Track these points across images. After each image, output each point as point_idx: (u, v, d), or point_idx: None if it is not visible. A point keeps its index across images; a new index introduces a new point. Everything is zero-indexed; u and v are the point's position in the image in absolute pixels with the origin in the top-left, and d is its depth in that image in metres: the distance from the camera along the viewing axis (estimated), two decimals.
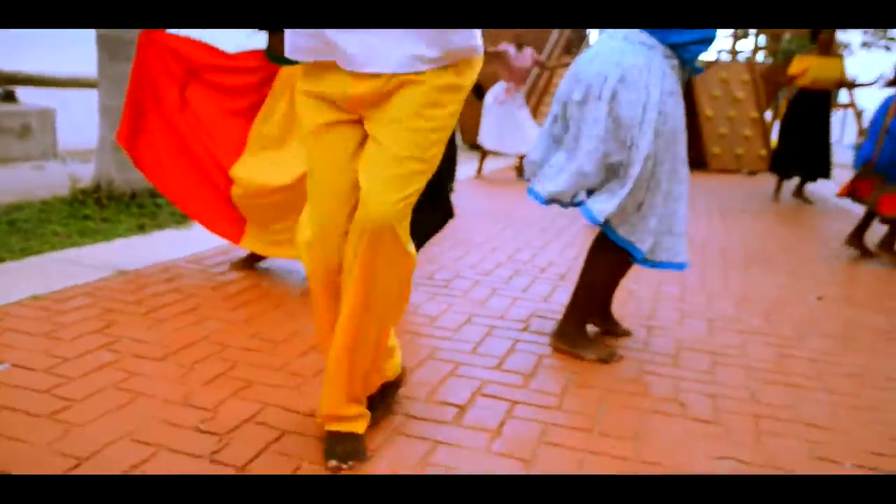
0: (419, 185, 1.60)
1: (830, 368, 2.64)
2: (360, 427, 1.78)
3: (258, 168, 3.01)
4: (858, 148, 4.76)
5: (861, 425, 2.18)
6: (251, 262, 3.44)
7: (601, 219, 2.32)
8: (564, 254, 4.31)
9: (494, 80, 7.98)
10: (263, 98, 3.05)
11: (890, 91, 4.71)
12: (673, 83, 2.33)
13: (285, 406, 2.01)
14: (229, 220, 3.19)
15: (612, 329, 2.82)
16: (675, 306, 3.31)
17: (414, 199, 1.60)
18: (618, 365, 2.52)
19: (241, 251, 3.54)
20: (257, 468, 1.68)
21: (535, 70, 10.39)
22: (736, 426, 2.10)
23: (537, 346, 2.65)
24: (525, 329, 2.84)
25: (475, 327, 2.82)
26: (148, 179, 3.21)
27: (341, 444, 1.74)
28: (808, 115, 7.18)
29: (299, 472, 1.68)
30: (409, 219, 1.62)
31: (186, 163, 3.12)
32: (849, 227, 5.90)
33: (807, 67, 6.98)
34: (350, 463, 1.70)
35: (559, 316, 3.02)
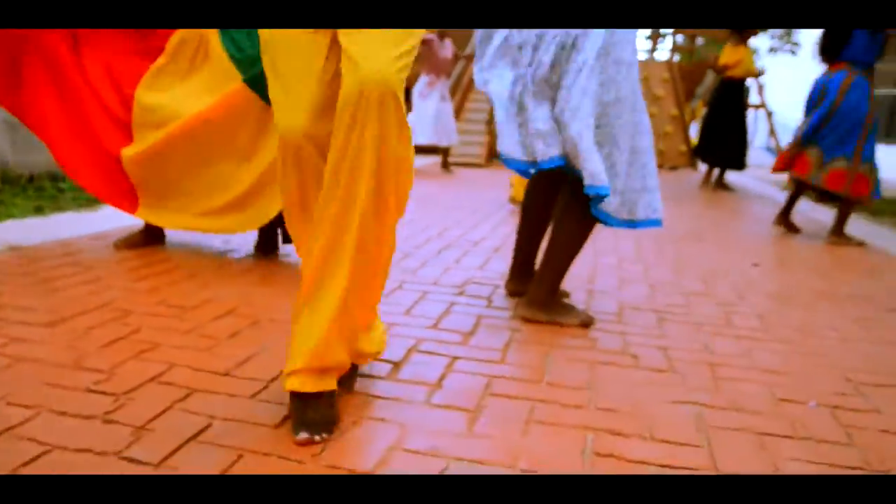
0: (412, 48, 1.38)
1: (776, 322, 2.55)
2: (332, 382, 1.49)
3: (155, 109, 2.75)
4: (805, 125, 4.63)
5: (815, 369, 2.07)
6: (146, 240, 3.10)
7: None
8: (497, 231, 4.15)
9: (416, 80, 7.84)
10: (164, 43, 2.78)
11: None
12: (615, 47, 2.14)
13: (195, 366, 1.76)
14: (122, 187, 2.88)
15: None
16: (613, 274, 3.18)
17: (409, 64, 1.38)
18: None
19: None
20: (159, 427, 1.43)
21: (462, 63, 10.31)
22: (692, 374, 1.96)
23: (475, 308, 2.47)
24: (461, 294, 2.66)
25: (407, 293, 2.61)
26: (34, 132, 2.84)
27: (312, 410, 1.44)
28: (732, 104, 7.35)
29: (209, 430, 1.44)
30: (403, 90, 1.38)
31: (74, 122, 2.78)
32: (772, 211, 5.98)
33: (741, 58, 7.16)
34: (323, 435, 1.42)
35: (497, 283, 2.85)
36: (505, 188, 6.41)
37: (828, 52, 4.44)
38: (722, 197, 7.10)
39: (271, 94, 1.45)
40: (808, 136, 4.48)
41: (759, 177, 10.19)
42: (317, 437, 1.40)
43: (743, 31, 7.19)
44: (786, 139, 16.10)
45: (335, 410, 1.49)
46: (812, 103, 4.53)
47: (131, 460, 1.30)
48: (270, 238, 3.03)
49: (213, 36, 2.73)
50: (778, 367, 2.07)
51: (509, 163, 2.22)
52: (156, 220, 2.89)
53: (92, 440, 1.36)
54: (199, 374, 1.71)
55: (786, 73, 21.49)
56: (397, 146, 1.38)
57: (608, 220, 2.18)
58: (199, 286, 2.49)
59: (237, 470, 1.29)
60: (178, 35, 2.76)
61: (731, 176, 9.27)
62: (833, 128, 4.38)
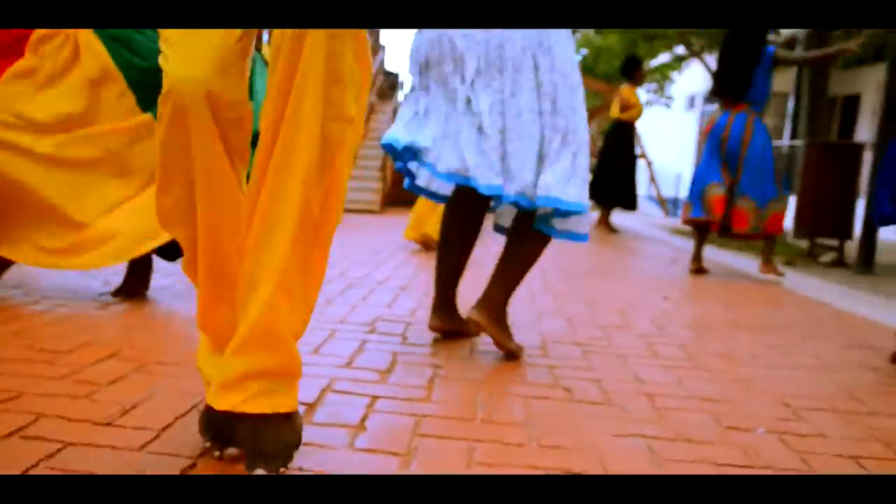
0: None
1: (699, 351, 2.47)
2: (289, 400, 1.23)
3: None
4: (697, 168, 4.68)
5: (750, 396, 1.99)
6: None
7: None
8: (401, 271, 3.97)
9: None
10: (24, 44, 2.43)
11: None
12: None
13: (68, 416, 1.47)
14: None
15: (462, 328, 2.43)
16: (526, 308, 3.05)
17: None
18: (483, 358, 2.20)
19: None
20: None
21: None
22: (632, 405, 1.83)
23: (389, 346, 2.27)
24: (372, 331, 2.45)
25: (313, 331, 2.37)
26: None
27: (269, 435, 1.18)
28: (624, 146, 7.54)
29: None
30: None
31: None
32: (666, 251, 6.10)
33: (636, 101, 7.39)
34: (281, 470, 1.18)
35: (408, 320, 2.66)
36: (388, 232, 6.28)
37: (732, 92, 4.50)
38: (616, 237, 7.21)
39: (161, 44, 1.19)
40: (721, 186, 4.49)
41: (646, 221, 10.50)
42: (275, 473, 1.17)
43: (634, 75, 7.42)
44: (665, 187, 16.71)
45: (298, 432, 1.24)
46: (715, 142, 4.54)
47: None
48: (141, 278, 2.70)
49: (83, 35, 2.42)
50: (714, 395, 1.97)
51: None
52: (5, 253, 2.47)
53: None
54: (74, 425, 1.42)
55: (661, 126, 22.49)
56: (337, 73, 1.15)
57: (573, 237, 2.16)
58: (76, 329, 2.18)
59: None
60: (37, 34, 2.43)
61: (619, 218, 9.50)
62: (752, 180, 4.42)
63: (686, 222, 4.79)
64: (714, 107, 4.52)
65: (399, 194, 10.27)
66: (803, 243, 6.69)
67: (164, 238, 2.41)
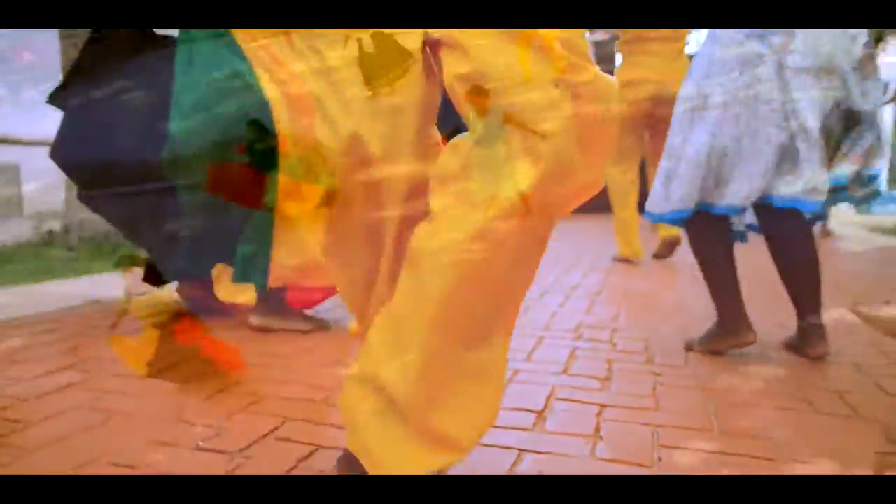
0: None
1: None
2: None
3: None
4: None
5: None
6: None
7: None
8: (589, 277, 3.88)
9: None
10: None
11: None
12: None
13: (312, 420, 1.53)
14: None
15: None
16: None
17: None
18: (698, 364, 2.08)
19: None
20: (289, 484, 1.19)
21: None
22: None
23: (601, 353, 2.20)
24: (578, 338, 2.39)
25: (520, 338, 2.36)
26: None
27: None
28: None
29: None
30: None
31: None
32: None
33: None
34: None
35: (611, 327, 2.58)
36: (567, 237, 6.19)
37: None
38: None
39: None
40: None
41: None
42: None
43: None
44: None
45: None
46: None
47: None
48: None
49: None
50: None
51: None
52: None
53: None
54: (320, 428, 1.47)
55: None
56: None
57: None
58: (296, 335, 2.28)
59: None
60: None
61: None
62: None
63: None
64: None
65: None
66: None
67: None
